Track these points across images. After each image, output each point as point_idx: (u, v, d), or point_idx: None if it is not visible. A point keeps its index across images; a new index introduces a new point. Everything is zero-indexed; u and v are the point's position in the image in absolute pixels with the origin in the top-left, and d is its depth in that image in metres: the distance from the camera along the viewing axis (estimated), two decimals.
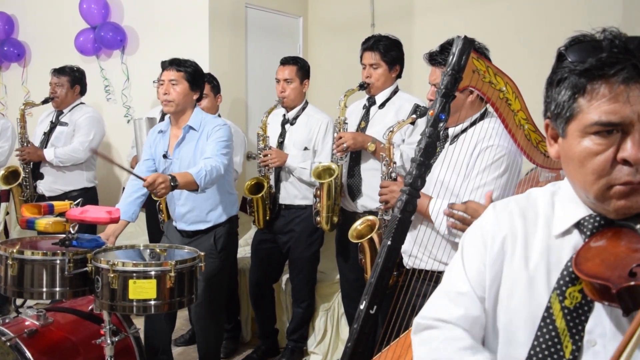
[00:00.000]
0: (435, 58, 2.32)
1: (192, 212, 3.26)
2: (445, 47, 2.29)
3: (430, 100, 2.36)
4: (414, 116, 2.59)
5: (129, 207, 3.16)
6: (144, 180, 2.79)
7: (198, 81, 3.26)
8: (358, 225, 2.81)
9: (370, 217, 2.80)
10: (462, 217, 1.97)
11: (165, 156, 3.23)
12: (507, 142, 2.12)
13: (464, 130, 2.25)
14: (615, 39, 1.00)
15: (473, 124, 2.25)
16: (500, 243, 1.17)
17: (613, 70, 0.98)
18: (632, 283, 0.93)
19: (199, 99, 3.34)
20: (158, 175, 2.82)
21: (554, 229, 1.12)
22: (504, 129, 2.09)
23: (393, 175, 2.63)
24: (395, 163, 2.66)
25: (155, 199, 3.25)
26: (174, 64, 3.21)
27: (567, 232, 1.11)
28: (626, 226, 1.04)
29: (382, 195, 2.50)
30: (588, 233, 1.07)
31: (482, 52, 2.06)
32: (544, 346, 1.06)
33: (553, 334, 1.05)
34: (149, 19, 5.07)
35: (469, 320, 1.18)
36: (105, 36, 5.09)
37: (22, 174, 4.33)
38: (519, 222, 1.17)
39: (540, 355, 1.06)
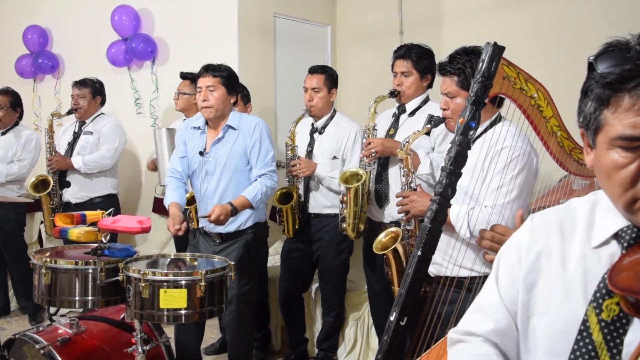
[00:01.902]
0: (445, 67, 2.36)
1: None
2: (454, 57, 2.35)
3: (443, 109, 2.41)
4: (429, 126, 2.64)
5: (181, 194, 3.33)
6: (208, 217, 3.10)
7: (234, 85, 3.30)
8: (382, 237, 2.83)
9: (394, 229, 2.81)
10: (490, 245, 1.92)
11: (201, 153, 3.27)
12: (521, 143, 2.15)
13: (478, 136, 2.26)
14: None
15: (487, 129, 2.29)
16: (535, 255, 1.16)
17: (633, 84, 0.96)
18: None
19: (234, 102, 3.37)
20: (218, 208, 3.08)
21: (593, 239, 1.11)
22: (518, 131, 2.12)
23: (412, 185, 2.67)
24: (413, 173, 2.70)
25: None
26: (209, 69, 3.24)
27: (605, 243, 1.09)
28: None
29: (403, 206, 2.54)
30: (626, 245, 1.05)
31: None
32: None
33: (590, 347, 1.02)
34: (179, 30, 5.13)
35: (500, 333, 1.21)
36: (137, 47, 5.17)
37: (52, 183, 4.44)
38: (556, 233, 1.16)
39: None
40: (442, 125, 2.57)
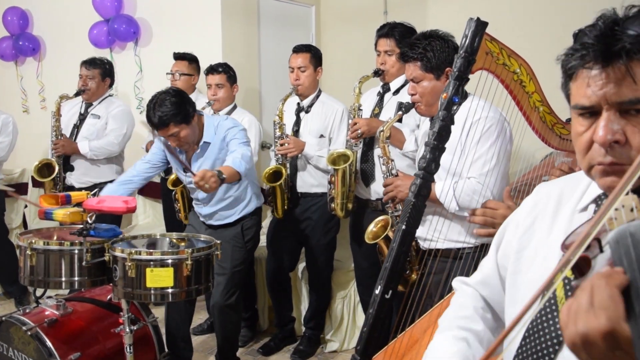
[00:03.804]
0: (407, 54, 2.44)
1: (223, 210, 3.37)
2: (414, 43, 2.42)
3: (411, 94, 2.48)
4: (400, 113, 2.70)
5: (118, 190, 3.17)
6: (194, 174, 2.75)
7: (187, 109, 3.07)
8: (373, 227, 2.87)
9: (382, 217, 2.85)
10: (484, 220, 1.99)
11: (185, 170, 3.20)
12: (492, 112, 2.23)
13: None
14: (600, 21, 1.02)
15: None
16: (531, 221, 1.24)
17: (582, 59, 1.02)
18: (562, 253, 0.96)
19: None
20: (206, 170, 2.77)
21: (580, 203, 1.16)
22: (488, 103, 2.18)
23: (393, 172, 2.71)
24: (393, 160, 2.73)
25: (203, 192, 3.12)
26: (161, 122, 2.99)
27: (587, 207, 1.15)
28: None
29: (388, 193, 2.61)
30: (597, 209, 1.10)
31: None
32: (543, 312, 1.08)
33: (552, 301, 1.07)
34: (161, 10, 5.07)
35: (485, 283, 1.36)
36: (119, 29, 5.11)
37: (57, 167, 4.26)
38: (555, 199, 1.22)
39: (538, 321, 1.08)
40: None
